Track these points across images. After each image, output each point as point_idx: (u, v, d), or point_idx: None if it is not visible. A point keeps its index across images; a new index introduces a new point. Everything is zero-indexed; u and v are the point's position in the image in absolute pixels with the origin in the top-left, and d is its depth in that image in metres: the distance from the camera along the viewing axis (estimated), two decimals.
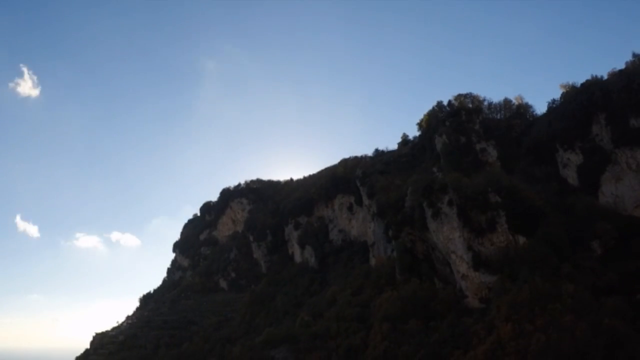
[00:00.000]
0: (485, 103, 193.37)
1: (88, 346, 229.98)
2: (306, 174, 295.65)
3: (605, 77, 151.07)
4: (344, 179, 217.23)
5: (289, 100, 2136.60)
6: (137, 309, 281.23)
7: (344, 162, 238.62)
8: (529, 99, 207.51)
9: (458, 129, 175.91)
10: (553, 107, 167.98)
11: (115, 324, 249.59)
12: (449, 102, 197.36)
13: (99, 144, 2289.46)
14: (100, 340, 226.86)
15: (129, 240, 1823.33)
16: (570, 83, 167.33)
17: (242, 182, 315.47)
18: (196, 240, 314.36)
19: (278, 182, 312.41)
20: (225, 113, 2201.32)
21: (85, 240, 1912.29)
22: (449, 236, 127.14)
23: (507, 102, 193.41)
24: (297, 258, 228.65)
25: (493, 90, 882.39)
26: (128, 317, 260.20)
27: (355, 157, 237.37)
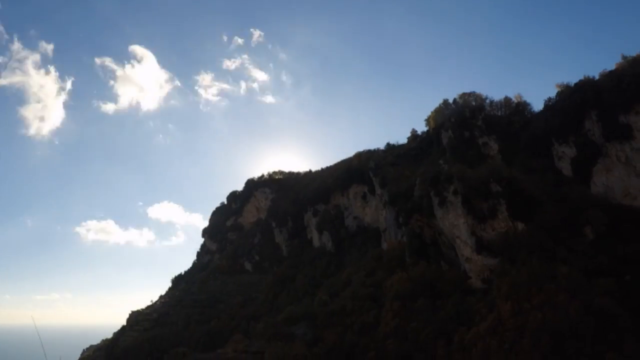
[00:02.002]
0: (487, 101, 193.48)
1: (125, 323, 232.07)
2: (324, 166, 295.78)
3: (597, 77, 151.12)
4: (359, 170, 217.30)
5: (310, 99, 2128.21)
6: (169, 289, 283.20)
7: (359, 155, 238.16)
8: (527, 98, 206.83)
9: (462, 125, 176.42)
10: (549, 105, 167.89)
11: (150, 303, 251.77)
12: (454, 100, 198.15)
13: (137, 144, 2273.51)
14: (136, 318, 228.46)
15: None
16: (565, 83, 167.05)
17: (266, 173, 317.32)
18: (223, 226, 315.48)
19: (298, 174, 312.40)
20: (253, 110, 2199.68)
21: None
22: (454, 222, 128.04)
23: (507, 100, 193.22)
24: (316, 242, 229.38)
25: (494, 89, 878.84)
26: (161, 297, 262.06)
27: (369, 151, 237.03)
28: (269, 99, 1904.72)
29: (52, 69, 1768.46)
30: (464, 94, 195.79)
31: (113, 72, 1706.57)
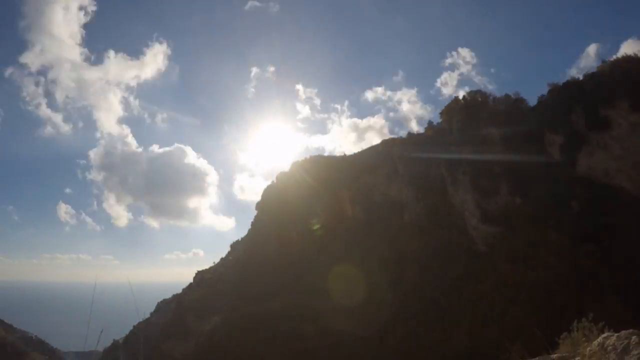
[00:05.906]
0: (491, 98, 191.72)
1: (192, 281, 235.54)
2: (355, 150, 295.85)
3: (581, 77, 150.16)
4: (385, 155, 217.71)
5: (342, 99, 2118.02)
6: (228, 252, 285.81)
7: (384, 142, 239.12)
8: (523, 94, 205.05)
9: (470, 117, 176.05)
10: (542, 101, 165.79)
11: (212, 264, 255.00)
12: (463, 96, 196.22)
13: None
14: (201, 276, 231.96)
15: None
16: (555, 82, 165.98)
17: (307, 157, 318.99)
18: (273, 200, 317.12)
19: (334, 157, 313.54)
20: (290, 106, 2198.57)
21: None
22: (463, 197, 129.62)
23: (507, 96, 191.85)
24: (349, 214, 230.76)
25: (496, 87, 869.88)
26: (222, 259, 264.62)
27: (393, 138, 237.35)
28: None
29: None
30: (471, 92, 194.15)
31: None
